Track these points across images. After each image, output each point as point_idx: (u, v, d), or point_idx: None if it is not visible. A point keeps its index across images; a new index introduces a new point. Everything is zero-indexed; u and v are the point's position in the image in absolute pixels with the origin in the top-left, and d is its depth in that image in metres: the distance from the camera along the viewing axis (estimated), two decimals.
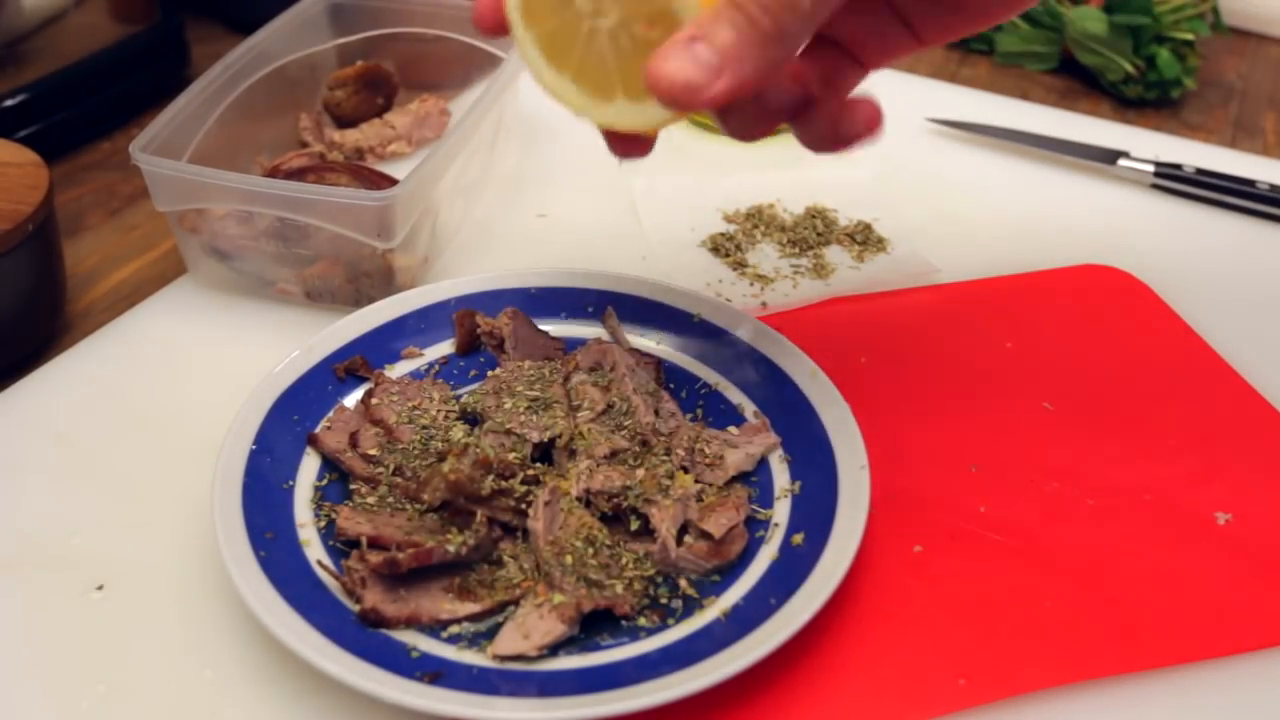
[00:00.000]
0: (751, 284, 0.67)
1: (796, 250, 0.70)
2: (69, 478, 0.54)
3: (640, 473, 0.50)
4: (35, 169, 0.60)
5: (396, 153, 0.78)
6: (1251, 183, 0.75)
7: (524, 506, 0.49)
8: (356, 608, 0.45)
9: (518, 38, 0.43)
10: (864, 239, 0.71)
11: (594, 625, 0.46)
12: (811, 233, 0.71)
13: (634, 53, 0.41)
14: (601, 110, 0.43)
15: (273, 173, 0.66)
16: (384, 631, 0.45)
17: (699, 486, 0.51)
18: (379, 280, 0.62)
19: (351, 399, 0.56)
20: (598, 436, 0.52)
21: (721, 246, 0.70)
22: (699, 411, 0.56)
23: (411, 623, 0.45)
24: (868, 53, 0.46)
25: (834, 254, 0.70)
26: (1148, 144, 0.81)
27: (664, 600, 0.47)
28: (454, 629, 0.46)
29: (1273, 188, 0.74)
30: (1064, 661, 0.46)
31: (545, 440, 0.52)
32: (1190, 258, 0.71)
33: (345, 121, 0.79)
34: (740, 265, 0.68)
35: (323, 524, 0.50)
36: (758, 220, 0.72)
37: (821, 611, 0.44)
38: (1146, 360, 0.62)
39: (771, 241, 0.70)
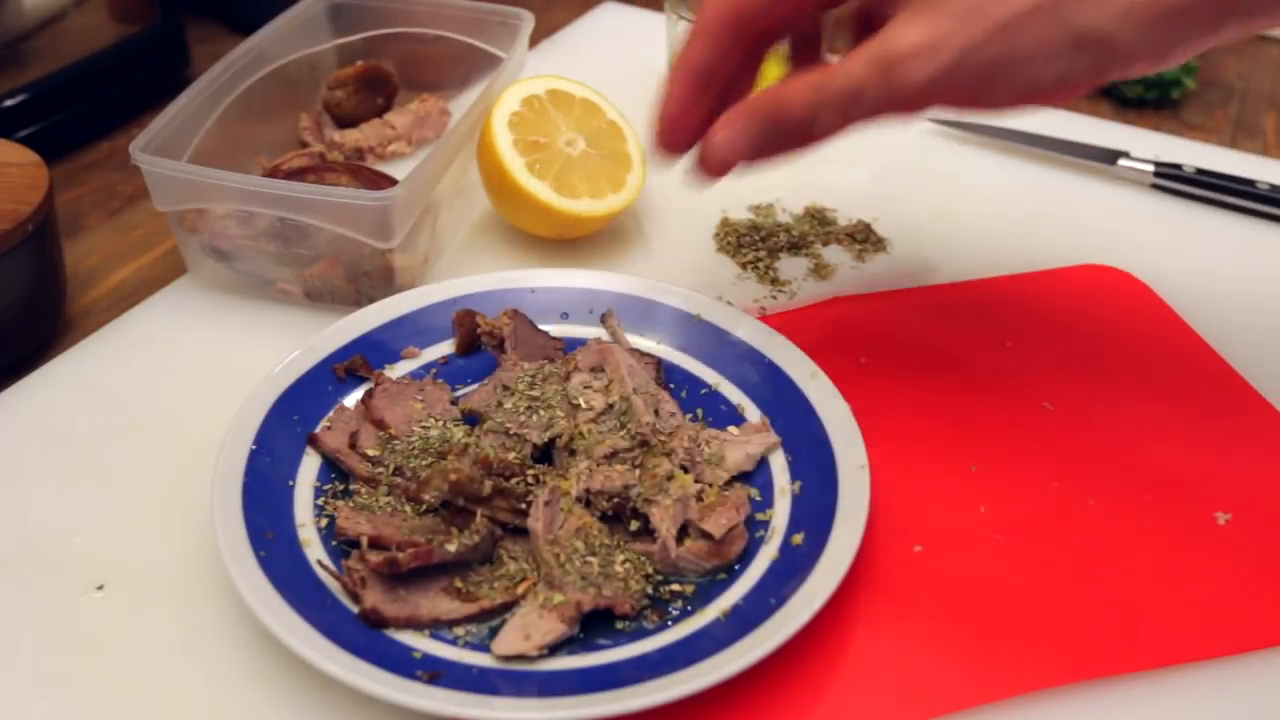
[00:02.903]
0: (752, 284, 0.67)
1: (796, 250, 0.70)
2: (69, 478, 0.54)
3: (640, 473, 0.50)
4: (35, 169, 0.60)
5: (396, 153, 0.78)
6: (1251, 183, 0.74)
7: (524, 506, 0.49)
8: (357, 608, 0.45)
9: (510, 162, 0.65)
10: (864, 239, 0.71)
11: (594, 625, 0.46)
12: (811, 232, 0.71)
13: (594, 169, 0.66)
14: (569, 204, 0.65)
15: (273, 173, 0.66)
16: (384, 631, 0.45)
17: (699, 486, 0.51)
18: (379, 280, 0.62)
19: (351, 399, 0.56)
20: (598, 436, 0.52)
21: (722, 247, 0.70)
22: (699, 411, 0.56)
23: (411, 623, 0.45)
24: None
25: (834, 254, 0.70)
26: (1148, 144, 0.81)
27: (664, 600, 0.47)
28: (454, 629, 0.46)
29: (1273, 188, 0.74)
30: (1064, 661, 0.46)
31: (545, 440, 0.52)
32: (1190, 258, 0.71)
33: (345, 121, 0.79)
34: (740, 265, 0.68)
35: (323, 524, 0.50)
36: (758, 220, 0.72)
37: (821, 611, 0.44)
38: (1146, 360, 0.62)
39: (771, 242, 0.70)
